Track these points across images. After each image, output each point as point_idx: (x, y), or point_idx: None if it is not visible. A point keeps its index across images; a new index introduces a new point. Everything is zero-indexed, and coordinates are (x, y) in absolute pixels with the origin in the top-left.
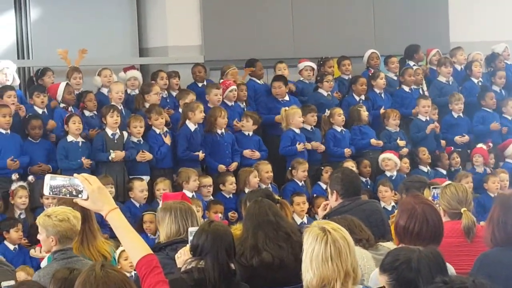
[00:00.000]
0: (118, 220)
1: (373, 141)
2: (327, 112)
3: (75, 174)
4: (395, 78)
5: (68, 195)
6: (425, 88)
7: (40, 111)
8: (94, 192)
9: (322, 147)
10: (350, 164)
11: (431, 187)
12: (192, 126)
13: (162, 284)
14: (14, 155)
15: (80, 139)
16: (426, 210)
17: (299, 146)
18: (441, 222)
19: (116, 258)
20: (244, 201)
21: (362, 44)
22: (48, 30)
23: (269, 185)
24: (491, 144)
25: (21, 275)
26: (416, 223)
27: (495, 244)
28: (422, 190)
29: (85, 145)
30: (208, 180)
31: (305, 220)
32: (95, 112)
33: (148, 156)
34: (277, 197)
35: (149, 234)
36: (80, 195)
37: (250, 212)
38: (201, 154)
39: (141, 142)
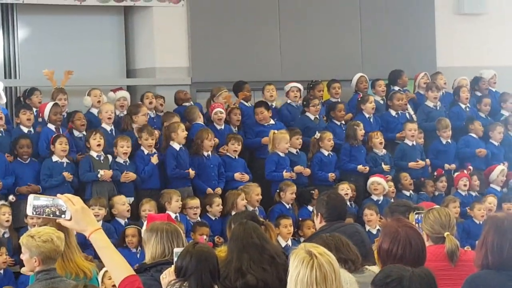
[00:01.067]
0: (101, 241)
1: (360, 167)
2: (317, 134)
3: (58, 195)
4: (382, 102)
5: (51, 215)
6: (411, 112)
7: (26, 130)
8: (78, 213)
9: (307, 171)
10: (345, 187)
11: (415, 211)
12: (177, 146)
13: None
14: None
15: (65, 160)
16: (409, 233)
17: (286, 174)
18: (424, 245)
19: (100, 277)
20: (229, 224)
21: (349, 68)
22: (35, 50)
23: (256, 208)
24: (471, 168)
25: None
26: (399, 246)
27: (486, 267)
28: (407, 214)
29: (70, 166)
30: (195, 202)
31: (289, 243)
32: (84, 133)
33: (131, 176)
34: (261, 219)
35: (131, 249)
36: (63, 215)
37: (235, 234)
38: (191, 172)
39: (127, 163)
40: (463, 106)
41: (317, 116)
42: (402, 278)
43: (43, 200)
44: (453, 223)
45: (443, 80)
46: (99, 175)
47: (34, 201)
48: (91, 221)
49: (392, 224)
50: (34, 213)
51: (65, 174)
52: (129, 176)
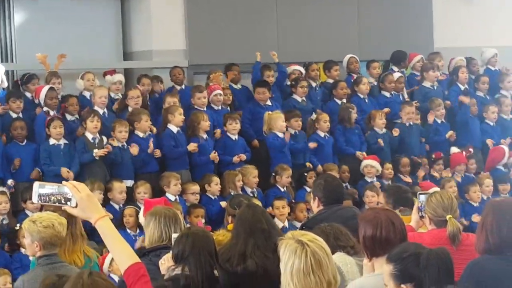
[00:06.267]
0: (106, 228)
1: (358, 153)
2: (314, 115)
3: (63, 182)
4: (375, 83)
5: (57, 203)
6: (405, 95)
7: (14, 115)
8: (83, 200)
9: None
10: (333, 172)
11: (418, 193)
12: (174, 128)
13: None
14: None
15: (62, 141)
16: (389, 215)
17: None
18: (405, 226)
19: (109, 261)
20: (227, 207)
21: (347, 49)
22: (32, 34)
23: (254, 189)
24: (471, 150)
25: None
26: (383, 230)
27: (487, 251)
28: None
29: (67, 147)
30: (196, 188)
31: (286, 224)
32: (77, 116)
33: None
34: None
35: (129, 231)
36: (68, 203)
37: (243, 217)
38: (192, 146)
39: (125, 147)
40: (461, 87)
41: (304, 98)
42: (419, 254)
43: (49, 188)
44: (456, 206)
45: (442, 63)
46: (94, 153)
47: (39, 189)
48: (96, 208)
49: (369, 213)
50: (40, 201)
51: (66, 172)
52: (157, 152)
